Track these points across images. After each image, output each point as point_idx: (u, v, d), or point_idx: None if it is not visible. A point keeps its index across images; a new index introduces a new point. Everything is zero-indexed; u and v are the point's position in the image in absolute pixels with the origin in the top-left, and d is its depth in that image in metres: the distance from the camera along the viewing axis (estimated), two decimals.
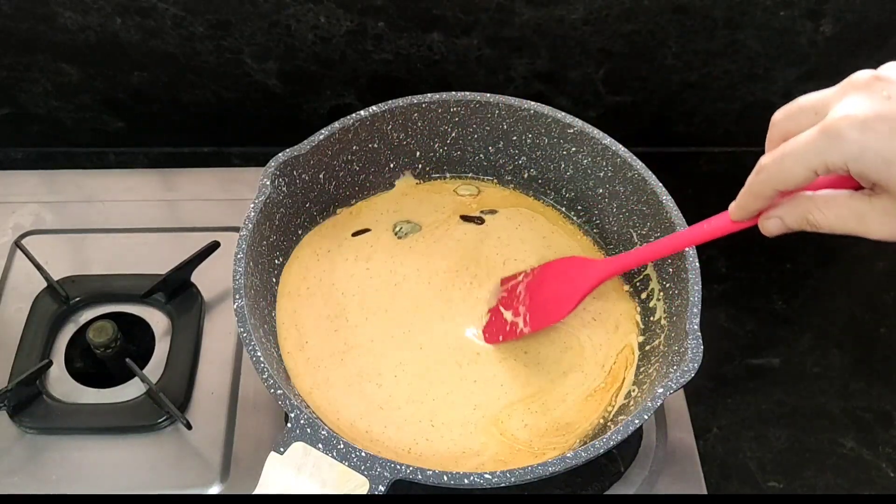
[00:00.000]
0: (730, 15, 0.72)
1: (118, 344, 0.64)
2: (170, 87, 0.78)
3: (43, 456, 0.60)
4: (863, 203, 0.41)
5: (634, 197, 0.63)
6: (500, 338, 0.61)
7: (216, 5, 0.70)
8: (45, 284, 0.67)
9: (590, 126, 0.64)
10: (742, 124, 0.83)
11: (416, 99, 0.65)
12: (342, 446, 0.48)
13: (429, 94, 0.65)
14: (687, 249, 0.57)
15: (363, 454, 0.48)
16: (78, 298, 0.67)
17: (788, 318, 0.73)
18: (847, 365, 0.70)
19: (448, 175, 0.71)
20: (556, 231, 0.69)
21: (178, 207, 0.75)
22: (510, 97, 0.66)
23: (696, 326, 0.54)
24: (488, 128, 0.67)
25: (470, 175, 0.71)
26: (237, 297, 0.54)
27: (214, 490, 0.59)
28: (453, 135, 0.68)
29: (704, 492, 0.60)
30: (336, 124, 0.63)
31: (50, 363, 0.63)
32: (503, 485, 0.48)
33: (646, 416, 0.50)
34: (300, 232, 0.65)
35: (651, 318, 0.62)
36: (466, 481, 0.48)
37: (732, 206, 0.47)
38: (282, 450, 0.48)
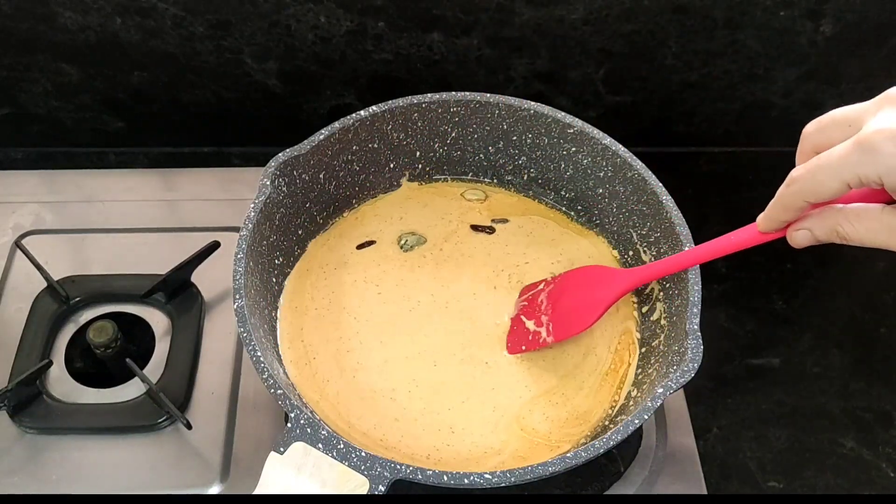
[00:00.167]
0: (730, 15, 0.72)
1: (118, 344, 0.64)
2: (170, 87, 0.78)
3: (43, 456, 0.60)
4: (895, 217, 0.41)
5: (634, 197, 0.63)
6: (523, 347, 0.61)
7: (216, 5, 0.70)
8: (45, 284, 0.67)
9: (590, 126, 0.64)
10: (742, 124, 0.83)
11: (416, 99, 0.65)
12: (342, 446, 0.48)
13: (429, 94, 0.65)
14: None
15: (363, 454, 0.48)
16: (78, 298, 0.67)
17: (788, 318, 0.73)
18: (847, 365, 0.70)
19: (448, 176, 0.71)
20: (566, 234, 0.68)
21: (178, 207, 0.75)
22: (510, 97, 0.66)
23: (696, 326, 0.54)
24: (488, 128, 0.67)
25: (470, 175, 0.71)
26: (237, 297, 0.54)
27: (214, 490, 0.59)
28: (453, 135, 0.68)
29: (704, 492, 0.60)
30: (336, 124, 0.63)
31: (50, 363, 0.63)
32: (503, 485, 0.48)
33: (646, 416, 0.50)
34: (300, 232, 0.65)
35: (651, 318, 0.62)
36: (466, 481, 0.47)
37: (761, 217, 0.47)
38: (282, 450, 0.48)
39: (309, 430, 0.48)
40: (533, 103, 0.65)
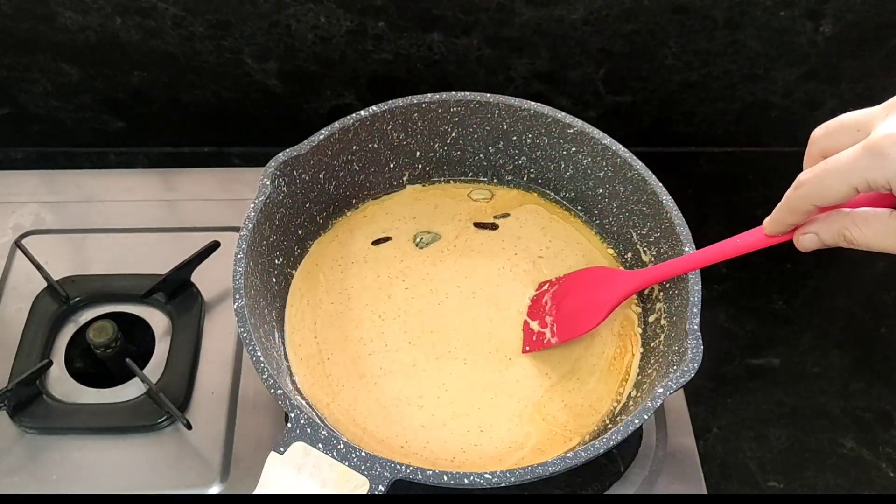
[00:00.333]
0: (730, 15, 0.72)
1: (118, 344, 0.64)
2: (170, 87, 0.78)
3: (43, 456, 0.60)
4: None
5: (634, 197, 0.63)
6: (527, 348, 0.61)
7: (216, 5, 0.70)
8: (45, 284, 0.67)
9: (590, 126, 0.64)
10: (742, 124, 0.83)
11: (416, 99, 0.65)
12: (342, 446, 0.48)
13: (429, 94, 0.65)
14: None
15: (363, 454, 0.48)
16: (78, 298, 0.67)
17: (788, 318, 0.73)
18: (847, 365, 0.70)
19: (449, 176, 0.71)
20: (561, 221, 0.69)
21: (178, 207, 0.75)
22: (510, 97, 0.66)
23: (696, 326, 0.54)
24: (488, 128, 0.67)
25: (470, 175, 0.71)
26: (237, 297, 0.54)
27: (214, 490, 0.59)
28: (453, 135, 0.68)
29: (704, 492, 0.60)
30: (336, 124, 0.63)
31: (50, 363, 0.63)
32: (503, 485, 0.48)
33: (646, 416, 0.50)
34: (300, 232, 0.65)
35: (651, 318, 0.62)
36: (466, 481, 0.48)
37: (767, 220, 0.47)
38: (282, 450, 0.48)
39: (309, 430, 0.48)
40: (533, 103, 0.65)
